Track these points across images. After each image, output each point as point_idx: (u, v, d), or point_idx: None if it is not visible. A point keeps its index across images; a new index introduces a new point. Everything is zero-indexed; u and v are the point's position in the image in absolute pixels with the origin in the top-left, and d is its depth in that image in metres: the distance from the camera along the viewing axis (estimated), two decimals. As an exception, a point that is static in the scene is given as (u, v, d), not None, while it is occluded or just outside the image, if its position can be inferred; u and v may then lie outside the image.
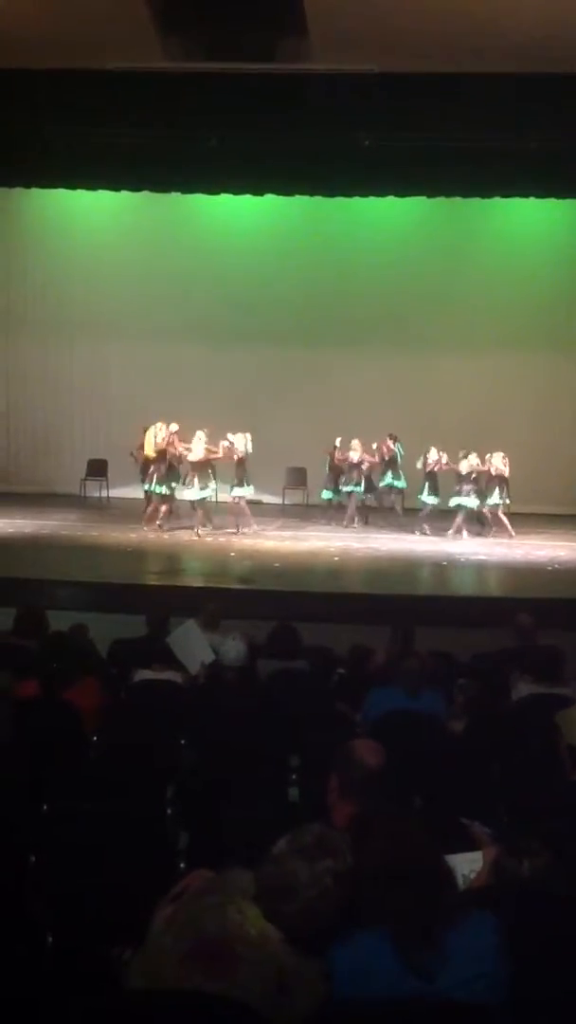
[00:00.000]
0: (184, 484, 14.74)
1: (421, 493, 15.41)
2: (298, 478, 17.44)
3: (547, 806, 3.80)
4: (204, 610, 7.55)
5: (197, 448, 14.35)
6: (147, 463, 14.91)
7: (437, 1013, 2.42)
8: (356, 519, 15.71)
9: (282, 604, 10.06)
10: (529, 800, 3.89)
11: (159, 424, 14.77)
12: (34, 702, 5.22)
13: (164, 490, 14.70)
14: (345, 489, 15.68)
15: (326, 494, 16.04)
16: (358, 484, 15.54)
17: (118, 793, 4.29)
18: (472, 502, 15.07)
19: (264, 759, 4.75)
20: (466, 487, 15.02)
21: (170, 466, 14.83)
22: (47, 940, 3.19)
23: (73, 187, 15.58)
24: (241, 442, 14.71)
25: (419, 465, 15.42)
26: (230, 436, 14.72)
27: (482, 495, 15.07)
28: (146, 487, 14.93)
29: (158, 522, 14.59)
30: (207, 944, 2.39)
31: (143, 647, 6.80)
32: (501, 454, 15.01)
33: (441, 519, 15.35)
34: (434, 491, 15.34)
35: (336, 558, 13.33)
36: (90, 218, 17.64)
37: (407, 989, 2.43)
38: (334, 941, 2.52)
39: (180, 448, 14.63)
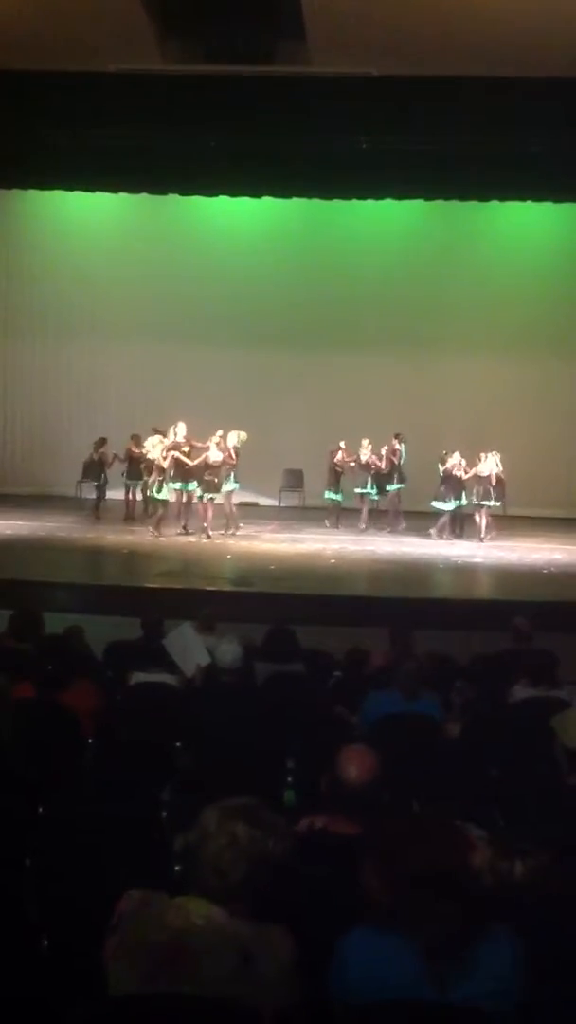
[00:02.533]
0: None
1: (446, 499, 15.21)
2: (295, 480, 17.44)
3: (543, 809, 3.80)
4: (200, 613, 7.54)
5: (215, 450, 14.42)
6: (149, 466, 14.92)
7: (447, 1019, 2.41)
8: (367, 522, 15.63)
9: (279, 606, 10.04)
10: (525, 803, 3.89)
11: (158, 437, 14.78)
12: (30, 704, 5.21)
13: (166, 495, 14.69)
14: (357, 491, 15.60)
15: (330, 495, 15.89)
16: (369, 486, 15.48)
17: (114, 795, 4.28)
18: (450, 504, 15.08)
19: (260, 762, 4.74)
20: (442, 488, 15.04)
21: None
22: (43, 942, 3.18)
23: (71, 189, 15.61)
24: (233, 439, 14.65)
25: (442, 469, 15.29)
26: (222, 433, 14.69)
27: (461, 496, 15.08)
28: (150, 492, 14.89)
29: (150, 528, 14.59)
30: (161, 953, 2.41)
31: (139, 649, 6.79)
32: (495, 456, 15.02)
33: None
34: (454, 496, 15.23)
35: (333, 560, 13.33)
36: (88, 220, 17.65)
37: (423, 993, 2.42)
38: (337, 931, 2.52)
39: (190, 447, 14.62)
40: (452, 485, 14.98)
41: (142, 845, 3.61)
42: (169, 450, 14.48)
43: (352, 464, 15.52)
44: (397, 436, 15.70)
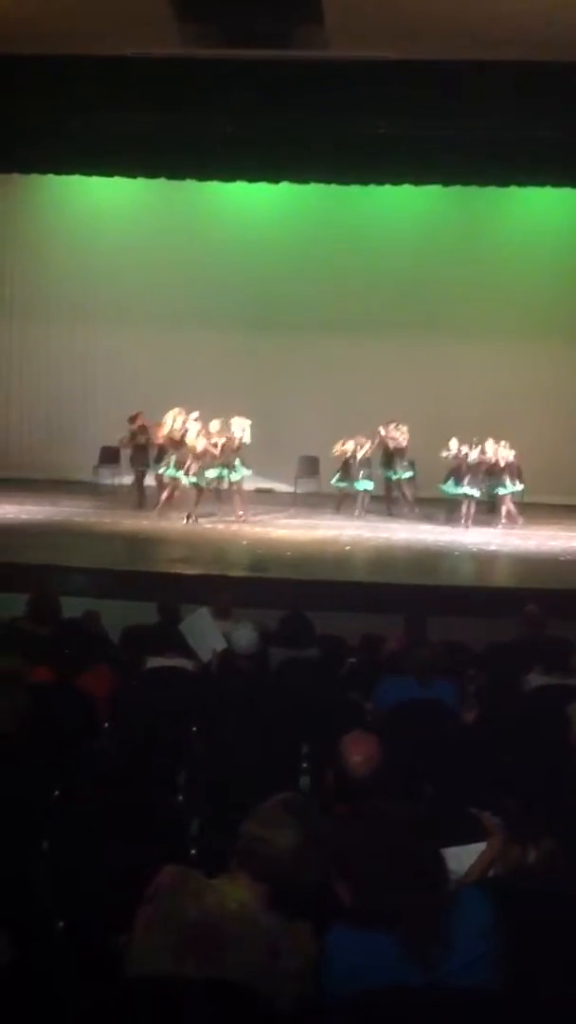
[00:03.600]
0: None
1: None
2: (311, 467, 17.41)
3: (556, 797, 3.81)
4: (216, 598, 7.57)
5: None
6: (161, 448, 14.95)
7: (440, 1001, 2.43)
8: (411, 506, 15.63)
9: (294, 592, 10.07)
10: (539, 790, 3.90)
11: (177, 409, 14.78)
12: (47, 688, 5.25)
13: (183, 477, 14.73)
14: (402, 476, 15.63)
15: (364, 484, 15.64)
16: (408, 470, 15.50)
17: (129, 779, 4.31)
18: (456, 490, 15.08)
19: (275, 747, 4.76)
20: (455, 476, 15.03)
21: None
22: (57, 925, 3.21)
23: (88, 174, 15.57)
24: (239, 428, 14.69)
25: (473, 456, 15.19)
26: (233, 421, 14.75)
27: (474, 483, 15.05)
28: (162, 471, 14.93)
29: (158, 507, 14.67)
30: (193, 932, 2.43)
31: (155, 634, 6.83)
32: (505, 443, 15.02)
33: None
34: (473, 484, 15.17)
35: (348, 547, 13.34)
36: (106, 205, 17.61)
37: (409, 979, 2.44)
38: (326, 920, 2.53)
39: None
40: (471, 472, 14.98)
41: (157, 829, 3.64)
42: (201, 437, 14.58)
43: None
44: (390, 423, 15.64)
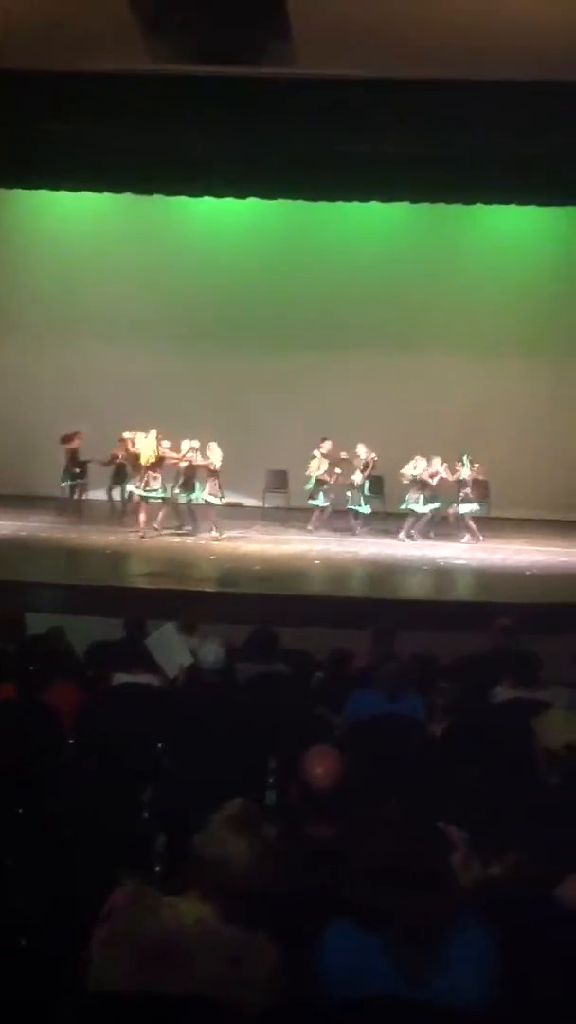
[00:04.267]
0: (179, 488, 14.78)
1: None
2: (279, 481, 17.42)
3: (522, 809, 3.81)
4: (183, 613, 7.54)
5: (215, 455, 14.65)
6: (144, 468, 14.88)
7: (427, 1016, 2.41)
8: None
9: (261, 607, 10.05)
10: (505, 803, 3.90)
11: (152, 431, 14.75)
12: (11, 705, 5.19)
13: (163, 494, 14.76)
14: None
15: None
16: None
17: (95, 796, 4.27)
18: (420, 507, 15.19)
19: (242, 763, 4.73)
20: (413, 493, 15.16)
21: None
22: (20, 942, 3.17)
23: (56, 188, 15.53)
24: (216, 455, 14.79)
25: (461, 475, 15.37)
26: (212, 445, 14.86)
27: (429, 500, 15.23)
28: (146, 492, 14.86)
29: (155, 525, 14.67)
30: (152, 948, 2.41)
31: (121, 650, 6.78)
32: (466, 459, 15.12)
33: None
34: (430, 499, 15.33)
35: (317, 561, 13.34)
36: (73, 219, 17.60)
37: (398, 991, 2.42)
38: (307, 928, 2.52)
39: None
40: (424, 488, 15.15)
41: (122, 845, 3.61)
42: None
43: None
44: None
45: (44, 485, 17.05)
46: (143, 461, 14.57)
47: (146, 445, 14.57)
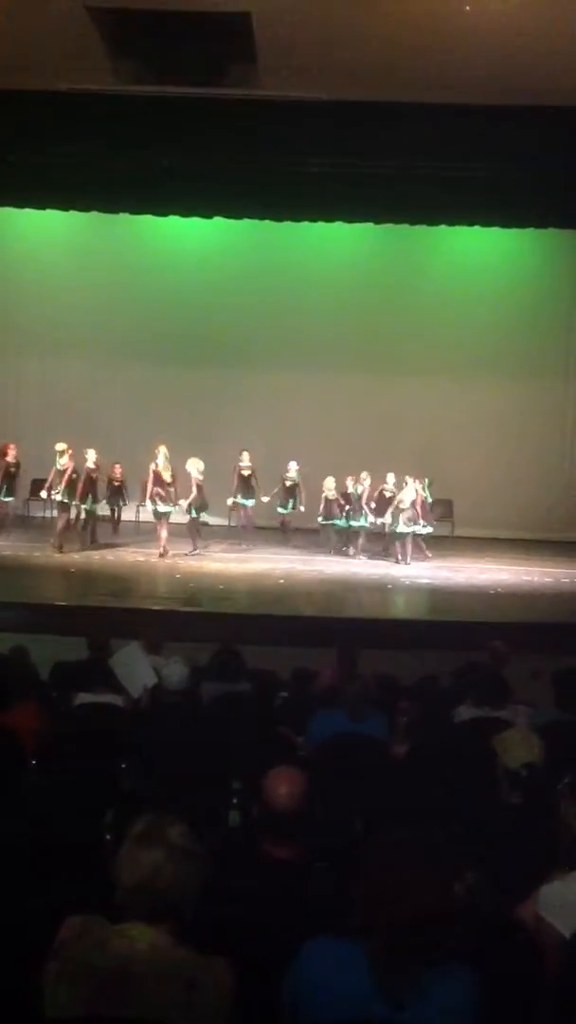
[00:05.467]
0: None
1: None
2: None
3: (483, 828, 3.83)
4: (147, 632, 7.52)
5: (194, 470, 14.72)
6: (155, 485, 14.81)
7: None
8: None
9: (226, 626, 10.04)
10: (466, 823, 3.92)
11: (162, 448, 14.73)
12: (-28, 725, 5.16)
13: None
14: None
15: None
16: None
17: (56, 817, 4.24)
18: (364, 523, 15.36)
19: (205, 783, 4.73)
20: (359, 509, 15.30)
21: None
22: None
23: (22, 206, 15.52)
24: (195, 468, 14.80)
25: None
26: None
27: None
28: (162, 509, 14.78)
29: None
30: (104, 977, 2.40)
31: (85, 670, 6.75)
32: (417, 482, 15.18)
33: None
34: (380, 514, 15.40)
35: (281, 580, 13.35)
36: (38, 238, 17.60)
37: (374, 1014, 2.40)
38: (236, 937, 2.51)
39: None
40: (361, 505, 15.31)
41: (84, 868, 3.59)
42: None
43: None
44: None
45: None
46: (167, 478, 14.54)
47: (163, 462, 14.56)
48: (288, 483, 16.13)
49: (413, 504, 14.94)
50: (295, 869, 3.14)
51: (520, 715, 5.76)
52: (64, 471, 14.65)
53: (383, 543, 15.56)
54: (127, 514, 16.72)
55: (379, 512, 15.31)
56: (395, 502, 14.98)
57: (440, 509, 16.24)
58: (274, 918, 2.89)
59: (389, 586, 13.51)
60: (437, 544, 15.82)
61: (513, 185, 12.78)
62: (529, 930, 3.09)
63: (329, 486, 15.46)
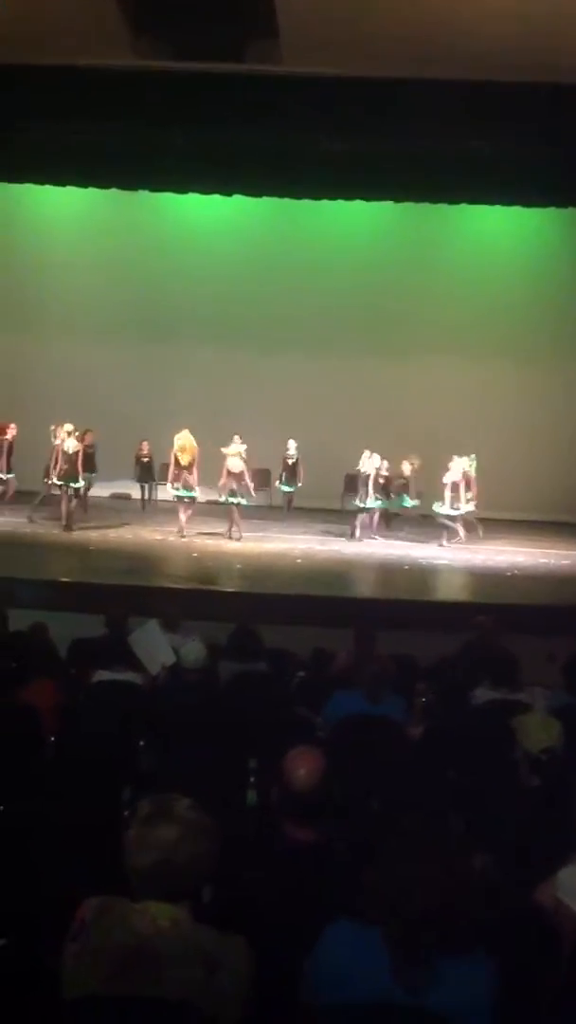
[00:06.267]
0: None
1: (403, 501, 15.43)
2: (262, 479, 17.41)
3: (501, 812, 3.82)
4: (165, 611, 7.52)
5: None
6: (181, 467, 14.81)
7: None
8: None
9: (244, 606, 10.05)
10: (484, 806, 3.92)
11: (185, 431, 14.70)
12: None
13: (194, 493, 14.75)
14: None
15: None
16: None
17: (74, 795, 4.26)
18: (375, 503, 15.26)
19: (223, 762, 4.74)
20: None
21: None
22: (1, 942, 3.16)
23: (40, 183, 15.47)
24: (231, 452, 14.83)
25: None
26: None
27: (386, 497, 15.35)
28: (185, 492, 14.77)
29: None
30: (126, 955, 2.40)
31: (103, 647, 6.76)
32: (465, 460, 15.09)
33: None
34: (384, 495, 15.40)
35: (299, 560, 13.34)
36: (56, 214, 17.54)
37: (394, 999, 2.41)
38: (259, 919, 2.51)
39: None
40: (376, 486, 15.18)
41: (102, 845, 3.60)
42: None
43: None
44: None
45: (27, 480, 16.96)
46: (183, 461, 14.56)
47: (186, 444, 14.53)
48: (290, 461, 16.25)
49: (455, 484, 14.82)
50: (316, 850, 3.14)
51: (538, 697, 5.75)
52: (75, 453, 14.62)
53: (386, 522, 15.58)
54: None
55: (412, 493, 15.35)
56: (446, 481, 14.90)
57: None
58: (295, 899, 2.89)
59: (406, 567, 13.49)
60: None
61: (535, 164, 12.64)
62: (548, 914, 3.09)
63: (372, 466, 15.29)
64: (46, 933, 2.63)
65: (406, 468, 15.85)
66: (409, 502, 16.00)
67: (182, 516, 14.66)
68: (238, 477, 14.57)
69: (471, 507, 15.11)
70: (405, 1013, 2.39)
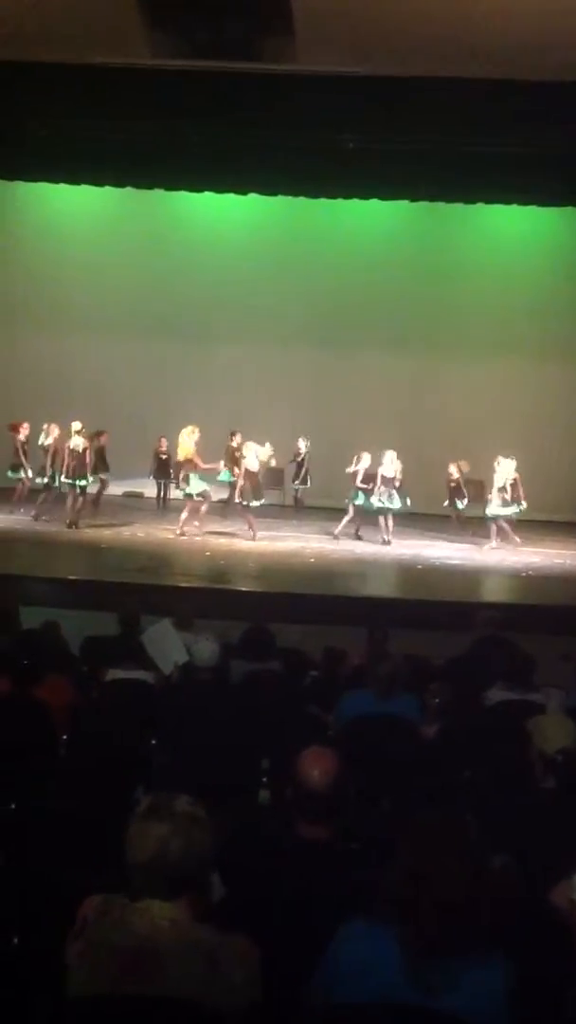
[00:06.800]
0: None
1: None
2: (275, 479, 17.39)
3: (515, 812, 3.80)
4: (178, 609, 7.51)
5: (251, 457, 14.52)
6: (180, 465, 14.83)
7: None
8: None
9: (256, 605, 10.04)
10: (499, 806, 3.89)
11: (190, 428, 14.62)
12: (4, 699, 5.17)
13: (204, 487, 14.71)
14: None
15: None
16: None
17: (87, 792, 4.25)
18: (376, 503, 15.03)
19: (235, 761, 4.72)
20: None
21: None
22: (12, 940, 3.15)
23: (56, 181, 15.51)
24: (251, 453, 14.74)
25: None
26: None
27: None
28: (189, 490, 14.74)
29: (196, 523, 14.62)
30: (127, 954, 2.39)
31: (116, 646, 6.76)
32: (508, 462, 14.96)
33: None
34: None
35: (312, 559, 13.32)
36: (72, 213, 17.58)
37: (407, 999, 2.39)
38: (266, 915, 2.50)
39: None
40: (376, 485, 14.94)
41: (113, 843, 3.59)
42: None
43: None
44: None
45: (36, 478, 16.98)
46: (181, 458, 14.52)
47: (185, 442, 14.49)
48: (300, 460, 16.26)
49: (504, 486, 14.69)
50: (329, 849, 3.12)
51: (552, 697, 5.72)
52: (83, 451, 14.63)
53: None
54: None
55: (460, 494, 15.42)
56: (494, 483, 14.74)
57: (473, 490, 16.09)
58: (308, 898, 2.87)
59: (419, 566, 13.45)
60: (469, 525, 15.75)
61: (552, 162, 12.61)
62: (562, 915, 3.06)
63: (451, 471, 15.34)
64: (55, 931, 2.62)
65: (453, 471, 15.69)
66: (460, 505, 15.84)
67: (183, 514, 14.65)
68: (253, 477, 14.52)
69: (522, 507, 14.97)
70: (419, 1014, 2.37)
